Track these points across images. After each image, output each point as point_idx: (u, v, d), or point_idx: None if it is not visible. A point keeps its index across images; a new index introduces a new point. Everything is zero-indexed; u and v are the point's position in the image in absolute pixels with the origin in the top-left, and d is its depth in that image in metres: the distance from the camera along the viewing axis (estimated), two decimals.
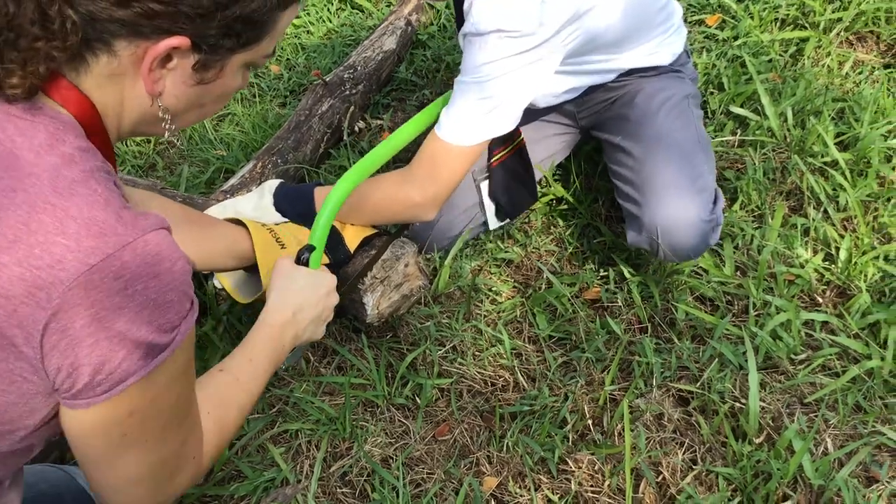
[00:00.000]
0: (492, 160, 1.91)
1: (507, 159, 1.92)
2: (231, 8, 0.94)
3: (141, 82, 0.95)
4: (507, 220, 2.00)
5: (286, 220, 1.73)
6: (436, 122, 1.69)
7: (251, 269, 1.63)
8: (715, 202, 1.75)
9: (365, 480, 1.58)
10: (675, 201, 1.69)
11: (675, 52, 1.89)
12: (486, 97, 1.59)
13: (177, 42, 0.92)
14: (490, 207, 1.96)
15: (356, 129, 2.47)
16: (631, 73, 1.87)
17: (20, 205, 0.81)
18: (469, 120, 1.62)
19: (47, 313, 0.80)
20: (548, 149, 2.08)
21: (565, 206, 2.13)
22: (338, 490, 1.57)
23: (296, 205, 1.63)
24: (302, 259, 1.45)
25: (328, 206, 1.51)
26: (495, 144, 1.86)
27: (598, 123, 1.96)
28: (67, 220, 0.81)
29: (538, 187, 2.12)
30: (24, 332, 0.81)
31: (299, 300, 1.36)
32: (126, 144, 2.59)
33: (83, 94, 0.91)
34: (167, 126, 1.03)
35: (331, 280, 1.45)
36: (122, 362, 0.85)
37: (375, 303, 1.69)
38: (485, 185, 1.94)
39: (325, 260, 1.66)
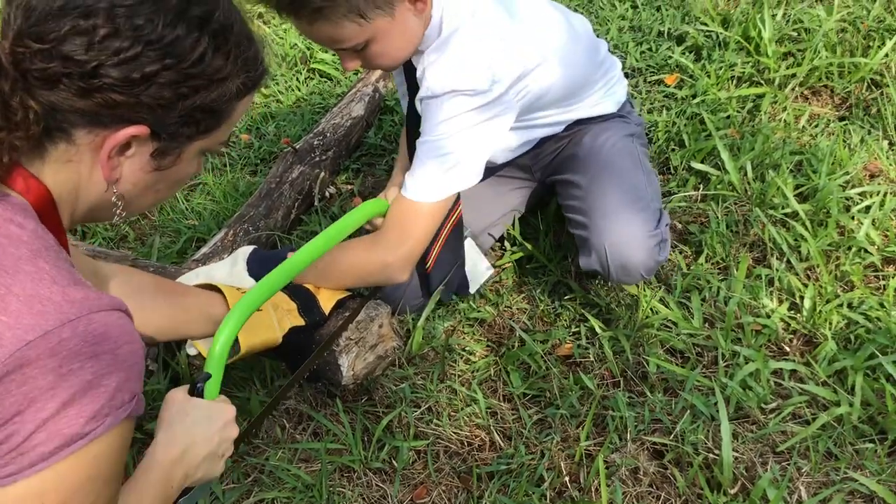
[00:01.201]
0: (427, 265, 1.91)
1: (445, 246, 1.92)
2: (191, 98, 0.95)
3: (97, 169, 0.95)
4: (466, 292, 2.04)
5: None
6: (348, 235, 1.70)
7: None
8: (659, 220, 1.83)
9: None
10: (620, 219, 1.78)
11: (619, 101, 2.01)
12: (447, 153, 1.65)
13: (136, 131, 0.93)
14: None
15: (327, 194, 2.50)
16: (579, 122, 1.98)
17: None
18: (432, 177, 1.67)
19: None
20: (507, 203, 2.14)
21: (535, 264, 2.16)
22: None
23: (270, 270, 1.63)
24: (197, 390, 1.31)
25: (224, 332, 1.39)
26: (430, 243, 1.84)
27: (552, 170, 2.05)
28: (9, 297, 0.81)
29: (507, 245, 2.15)
30: None
31: (191, 436, 1.21)
32: None
33: (40, 183, 0.91)
34: (118, 212, 1.02)
35: (229, 411, 1.29)
36: (40, 446, 0.81)
37: (351, 364, 1.70)
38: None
39: (301, 322, 1.66)
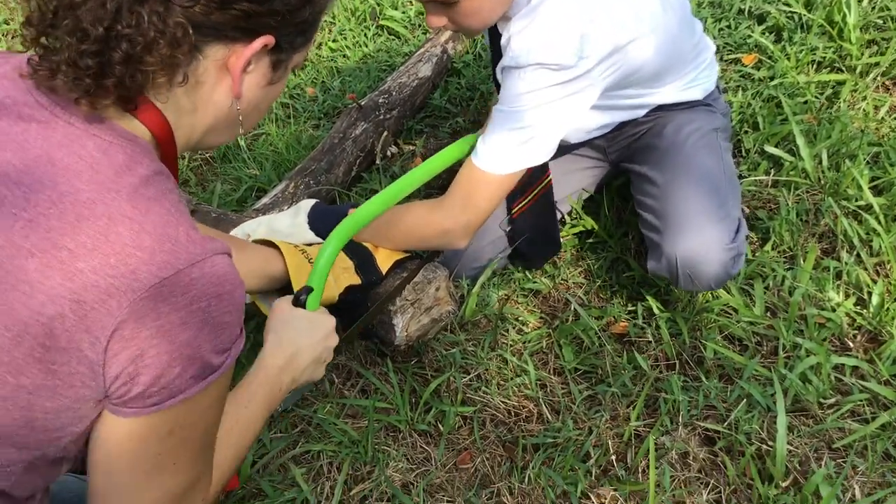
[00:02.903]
0: (513, 211, 1.92)
1: (532, 206, 1.92)
2: (314, 3, 0.97)
3: (220, 87, 0.96)
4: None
5: (319, 239, 1.73)
6: (462, 158, 1.70)
7: (282, 291, 1.63)
8: (737, 231, 1.73)
9: None
10: (696, 230, 1.68)
11: (707, 89, 1.90)
12: (523, 127, 1.60)
13: (267, 40, 0.94)
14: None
15: (388, 153, 2.48)
16: (662, 108, 1.88)
17: (100, 216, 0.83)
18: (505, 149, 1.62)
19: (116, 321, 0.82)
20: (578, 182, 2.08)
21: (595, 240, 2.13)
22: None
23: (330, 225, 1.63)
24: (300, 300, 1.41)
25: (328, 247, 1.46)
26: (517, 192, 1.86)
27: (627, 156, 1.97)
28: (143, 234, 0.84)
29: (567, 219, 2.12)
30: (91, 336, 0.82)
31: (296, 343, 1.33)
32: None
33: (162, 115, 0.93)
34: (240, 127, 1.04)
35: (329, 321, 1.41)
36: (178, 378, 0.86)
37: (405, 325, 1.69)
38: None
39: (357, 280, 1.66)
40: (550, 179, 1.91)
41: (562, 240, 2.12)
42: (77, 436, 0.91)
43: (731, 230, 1.70)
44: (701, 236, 1.67)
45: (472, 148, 1.70)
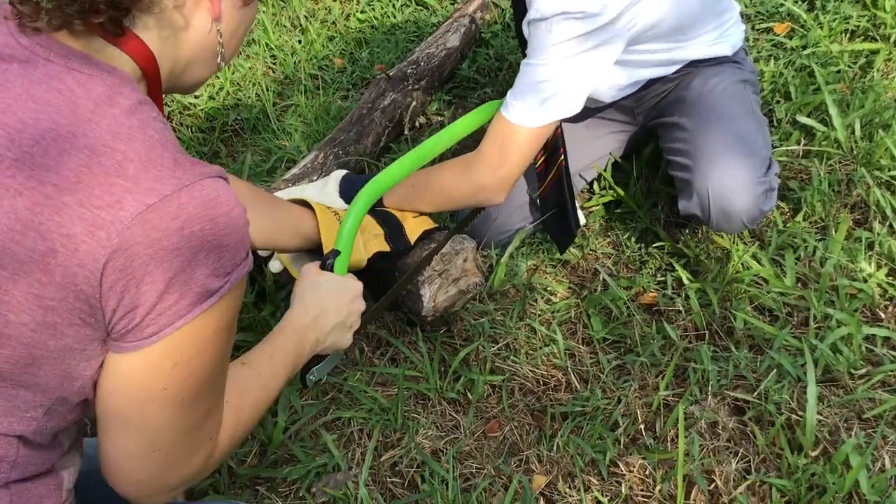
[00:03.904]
0: (538, 192, 1.93)
1: (548, 192, 1.93)
2: None
3: (199, 10, 0.97)
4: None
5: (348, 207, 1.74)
6: (486, 123, 1.69)
7: (313, 252, 1.65)
8: (769, 168, 1.74)
9: (415, 471, 1.59)
10: (727, 163, 1.69)
11: (735, 45, 1.90)
12: (549, 80, 1.60)
13: None
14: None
15: (417, 124, 2.48)
16: (690, 64, 1.88)
17: (81, 149, 0.83)
18: (533, 102, 1.63)
19: (107, 251, 0.81)
20: (605, 146, 2.08)
21: (624, 210, 2.12)
22: (388, 479, 1.58)
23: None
24: (327, 265, 1.41)
25: (354, 209, 1.45)
26: (542, 173, 1.87)
27: (656, 114, 1.97)
28: (126, 161, 0.83)
29: (596, 188, 2.12)
30: (84, 270, 0.82)
31: (322, 304, 1.33)
32: (190, 131, 2.63)
33: (146, 46, 0.93)
34: (221, 55, 1.03)
35: (356, 286, 1.40)
36: (175, 304, 0.85)
37: (432, 295, 1.70)
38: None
39: (386, 248, 1.67)
40: (562, 159, 1.90)
41: (590, 210, 2.12)
42: (89, 380, 0.91)
43: (762, 165, 1.71)
44: (732, 170, 1.68)
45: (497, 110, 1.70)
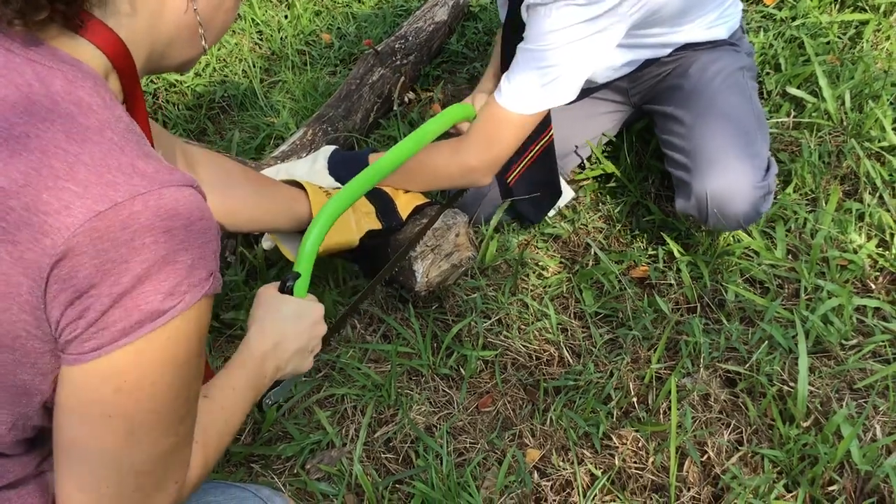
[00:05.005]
0: (508, 180, 1.90)
1: (529, 168, 1.91)
2: None
3: None
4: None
5: (339, 185, 1.74)
6: (438, 136, 1.66)
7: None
8: (767, 170, 1.72)
9: (409, 447, 1.59)
10: (726, 167, 1.67)
11: (732, 27, 1.87)
12: (549, 66, 1.58)
13: None
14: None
15: (406, 99, 2.47)
16: (687, 46, 1.86)
17: (33, 150, 0.77)
18: (529, 88, 1.61)
19: (52, 260, 0.75)
20: (598, 126, 2.06)
21: (615, 184, 2.12)
22: (382, 455, 1.58)
23: (352, 170, 1.63)
24: (286, 287, 1.32)
25: (314, 231, 1.39)
26: (513, 157, 1.81)
27: (651, 97, 1.95)
28: (78, 165, 0.77)
29: (587, 164, 2.11)
30: (29, 279, 0.76)
31: (282, 331, 1.23)
32: (177, 108, 2.61)
33: (113, 33, 0.87)
34: (203, 37, 0.97)
35: (317, 309, 1.30)
36: (119, 321, 0.78)
37: (425, 270, 1.70)
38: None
39: (378, 225, 1.66)
40: (552, 135, 1.88)
41: (580, 185, 2.11)
42: (49, 393, 0.84)
43: (761, 168, 1.69)
44: (731, 174, 1.66)
45: (466, 113, 1.70)
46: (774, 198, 2.00)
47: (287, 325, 1.24)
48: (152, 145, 0.89)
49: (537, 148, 1.86)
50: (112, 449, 0.83)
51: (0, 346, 0.80)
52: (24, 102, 0.80)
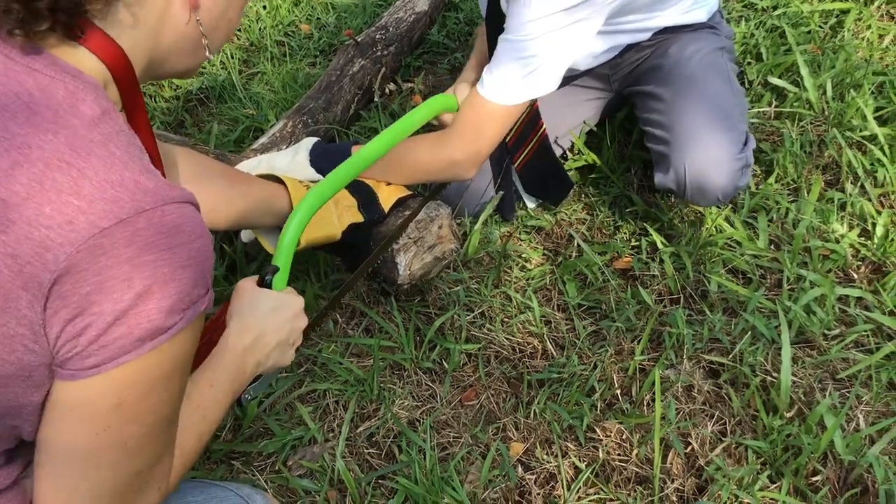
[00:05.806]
0: (515, 164, 1.93)
1: (533, 157, 1.92)
2: None
3: (175, 1, 0.90)
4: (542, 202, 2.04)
5: (320, 177, 1.72)
6: (420, 127, 1.67)
7: None
8: (745, 143, 1.74)
9: (392, 442, 1.58)
10: (704, 139, 1.68)
11: (711, 10, 1.89)
12: (530, 56, 1.58)
13: None
14: (529, 199, 2.03)
15: (387, 90, 2.45)
16: (666, 30, 1.86)
17: (35, 162, 0.76)
18: (511, 79, 1.61)
19: (53, 276, 0.75)
20: (580, 115, 2.06)
21: (597, 175, 2.11)
22: (365, 450, 1.57)
23: (334, 162, 1.62)
24: (266, 281, 1.32)
25: (292, 224, 1.38)
26: (518, 143, 1.86)
27: (631, 80, 1.95)
28: (82, 179, 0.76)
29: (569, 155, 2.10)
30: (28, 294, 0.76)
31: (262, 325, 1.22)
32: (154, 101, 2.57)
33: (114, 42, 0.86)
34: (206, 46, 0.97)
35: (297, 302, 1.30)
36: (121, 338, 0.78)
37: (408, 263, 1.68)
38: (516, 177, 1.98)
39: (360, 218, 1.65)
40: (544, 129, 1.90)
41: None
42: (38, 405, 0.84)
43: (738, 141, 1.71)
44: (709, 147, 1.68)
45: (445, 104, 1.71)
46: (756, 188, 2.00)
47: (266, 319, 1.23)
48: (156, 152, 0.90)
49: (535, 138, 1.86)
50: (107, 460, 0.83)
51: None
52: (25, 113, 0.79)
